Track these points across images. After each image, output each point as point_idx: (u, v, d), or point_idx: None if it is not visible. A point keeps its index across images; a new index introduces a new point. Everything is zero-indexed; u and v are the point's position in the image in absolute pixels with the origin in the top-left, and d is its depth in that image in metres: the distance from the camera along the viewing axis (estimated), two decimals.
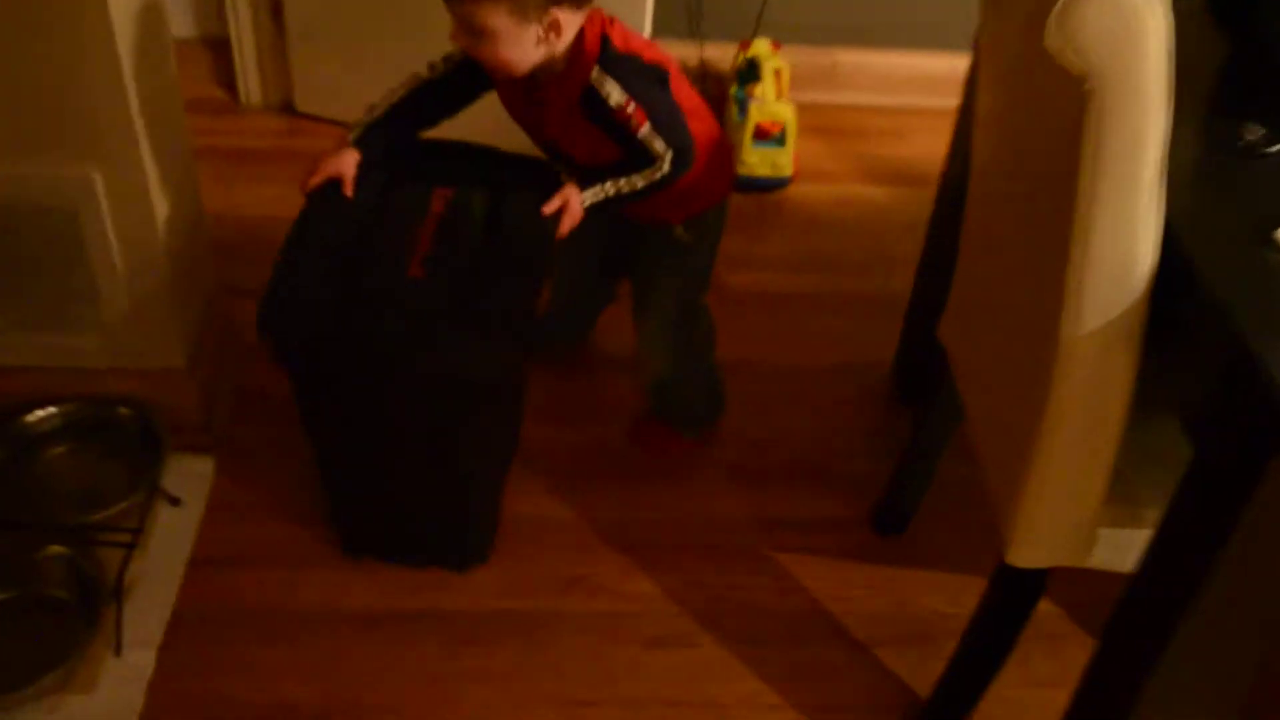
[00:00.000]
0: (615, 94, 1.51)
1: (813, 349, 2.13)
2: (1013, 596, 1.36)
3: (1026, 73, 1.15)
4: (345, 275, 1.45)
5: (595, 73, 1.51)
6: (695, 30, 2.70)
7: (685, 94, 1.61)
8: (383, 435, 1.55)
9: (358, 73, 2.55)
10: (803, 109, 2.60)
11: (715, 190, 1.69)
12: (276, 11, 2.53)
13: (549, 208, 1.54)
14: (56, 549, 1.62)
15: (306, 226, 1.52)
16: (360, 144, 1.58)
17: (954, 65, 1.77)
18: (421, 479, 1.60)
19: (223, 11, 2.56)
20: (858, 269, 2.32)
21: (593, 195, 1.56)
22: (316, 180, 1.57)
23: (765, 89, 2.45)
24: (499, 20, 1.44)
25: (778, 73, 2.51)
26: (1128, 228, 1.06)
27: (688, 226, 1.69)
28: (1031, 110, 1.18)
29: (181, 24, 2.64)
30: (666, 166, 1.55)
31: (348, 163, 1.57)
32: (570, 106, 1.55)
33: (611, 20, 1.57)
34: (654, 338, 1.80)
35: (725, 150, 1.69)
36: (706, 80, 2.72)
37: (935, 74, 2.63)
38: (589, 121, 1.55)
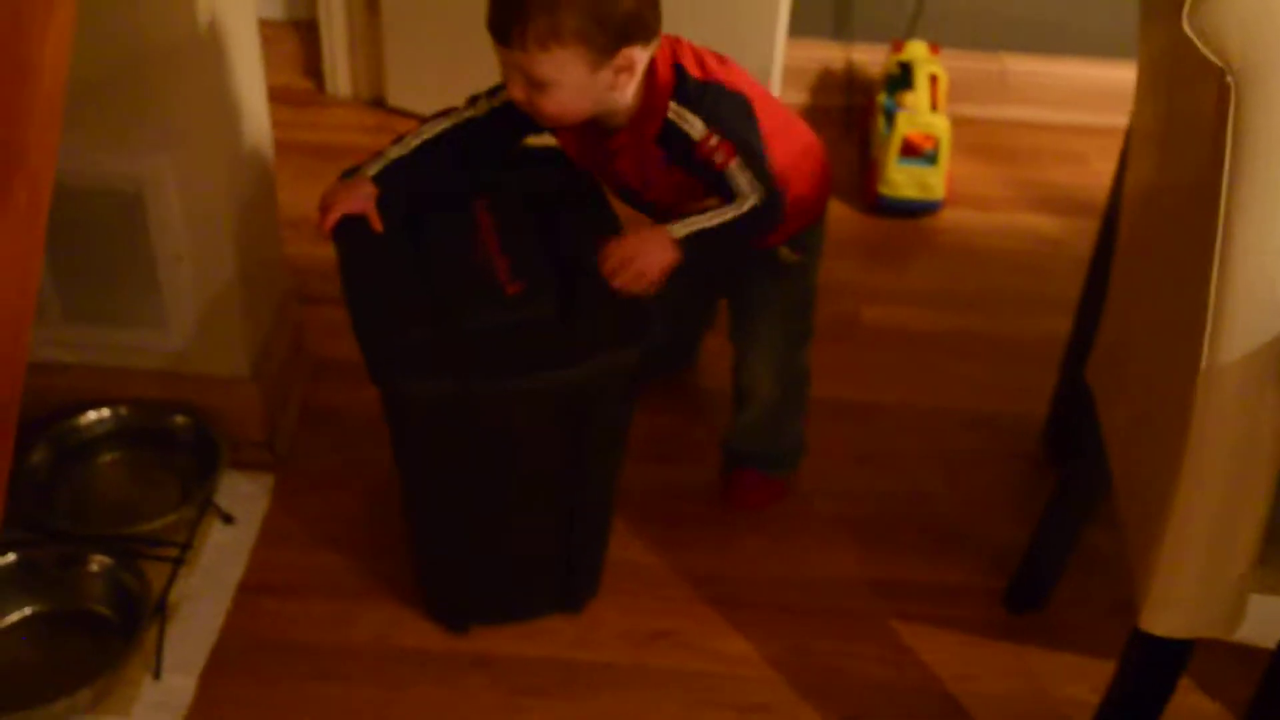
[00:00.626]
0: (697, 128, 1.60)
1: (954, 396, 2.23)
2: (1149, 672, 1.44)
3: (1174, 74, 1.26)
4: (437, 309, 1.58)
5: (673, 108, 1.61)
6: (842, 29, 2.84)
7: (771, 109, 1.72)
8: (501, 480, 1.69)
9: (457, 66, 2.73)
10: (962, 124, 2.72)
11: (816, 206, 1.81)
12: None
13: (619, 279, 1.56)
14: (98, 561, 1.81)
15: (360, 268, 1.66)
16: (380, 180, 1.68)
17: None
18: (541, 522, 1.75)
19: None
20: (1014, 310, 2.42)
21: (685, 226, 1.61)
22: (335, 218, 1.67)
23: (919, 98, 2.58)
24: (570, 70, 1.52)
25: (934, 79, 2.64)
26: (1273, 241, 1.15)
27: (793, 246, 1.81)
28: (1179, 117, 1.28)
29: (267, 3, 2.87)
30: (748, 206, 1.62)
31: (365, 198, 1.67)
32: (647, 149, 1.65)
33: (678, 41, 1.65)
34: (764, 366, 1.92)
35: (822, 161, 1.82)
36: (852, 88, 2.86)
37: (1125, 87, 2.71)
38: (671, 163, 1.66)
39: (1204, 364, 1.23)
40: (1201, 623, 1.37)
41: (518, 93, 1.57)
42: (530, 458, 1.68)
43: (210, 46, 1.75)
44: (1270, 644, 1.37)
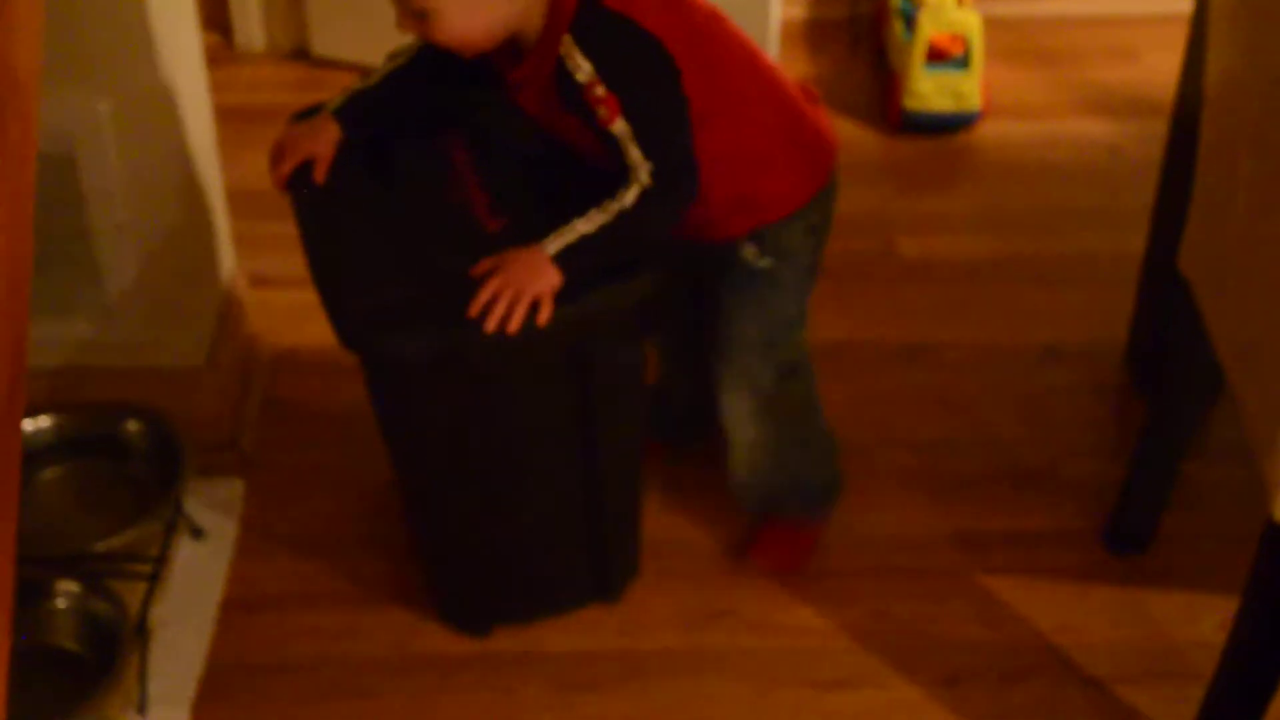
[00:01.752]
0: (584, 69, 1.61)
1: (1016, 327, 2.42)
2: None
3: None
4: (413, 257, 1.71)
5: (565, 43, 1.61)
6: None
7: (733, 71, 1.72)
8: (511, 451, 1.83)
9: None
10: (992, 25, 2.90)
11: (791, 192, 1.79)
12: None
13: (496, 316, 1.61)
14: (64, 589, 1.94)
15: (321, 219, 1.79)
16: (341, 116, 1.81)
17: None
18: (561, 496, 1.89)
19: None
20: (1073, 227, 2.61)
21: (559, 239, 1.64)
22: (290, 165, 1.79)
23: None
24: None
25: None
26: None
27: (761, 245, 1.81)
28: None
29: None
30: (632, 196, 1.64)
31: (324, 141, 1.79)
32: (547, 88, 1.67)
33: None
34: (735, 403, 1.93)
35: (811, 139, 1.81)
36: None
37: None
38: (567, 111, 1.66)
39: None
40: None
41: (408, 27, 1.64)
42: (536, 419, 1.81)
43: None
44: None
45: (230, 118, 2.85)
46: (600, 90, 1.62)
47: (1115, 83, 2.93)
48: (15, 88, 1.30)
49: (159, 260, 2.06)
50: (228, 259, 2.26)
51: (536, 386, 1.78)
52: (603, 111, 1.62)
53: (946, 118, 2.78)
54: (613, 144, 1.64)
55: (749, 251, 1.82)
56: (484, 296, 1.62)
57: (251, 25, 3.01)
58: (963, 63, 2.75)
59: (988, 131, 2.81)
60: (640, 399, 1.87)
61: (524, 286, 1.62)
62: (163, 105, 1.97)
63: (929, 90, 2.74)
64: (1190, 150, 1.86)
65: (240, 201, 2.50)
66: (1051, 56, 3.00)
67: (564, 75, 1.63)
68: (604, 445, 1.86)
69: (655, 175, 1.64)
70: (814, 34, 3.07)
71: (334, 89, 2.89)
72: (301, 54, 3.01)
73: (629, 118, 1.63)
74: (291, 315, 2.42)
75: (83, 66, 1.91)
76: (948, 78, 2.74)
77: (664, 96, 1.66)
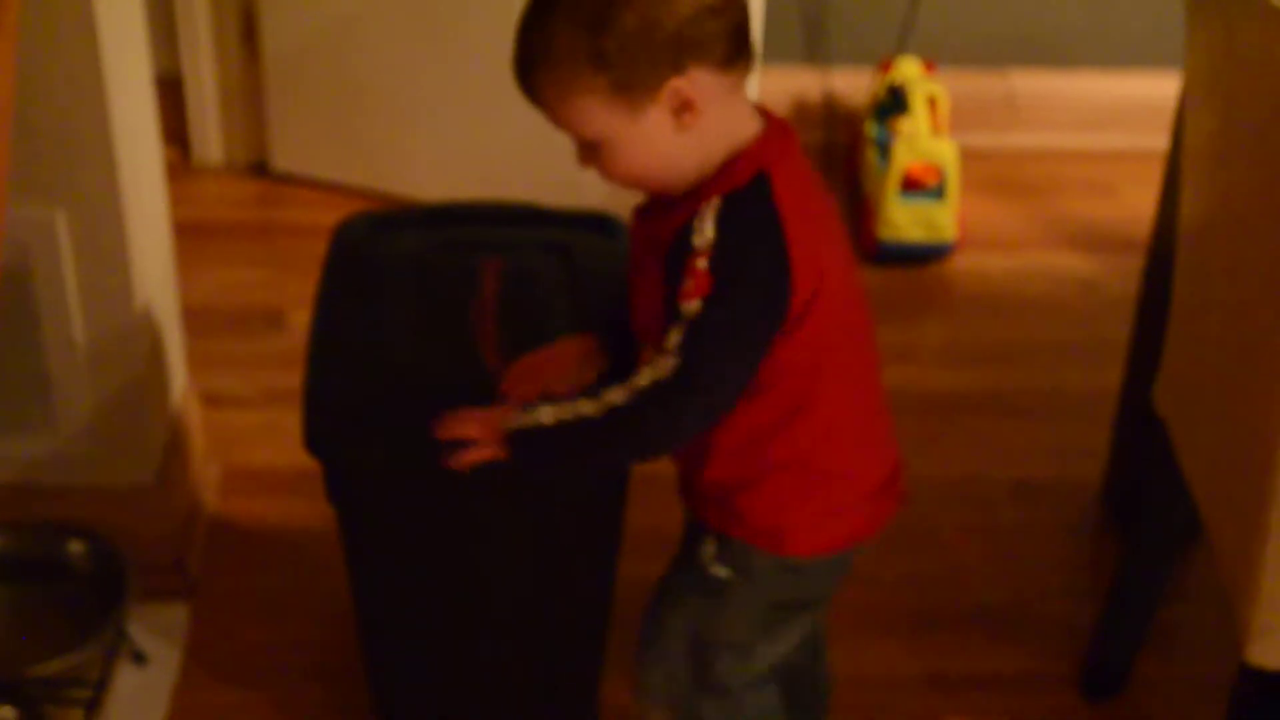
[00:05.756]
0: (705, 236, 1.51)
1: (990, 463, 2.47)
2: (1262, 716, 1.66)
3: (1234, 80, 1.51)
4: (407, 374, 1.77)
5: (714, 202, 1.52)
6: (816, 51, 3.12)
7: (850, 364, 1.65)
8: (466, 584, 1.87)
9: (355, 120, 2.97)
10: (968, 156, 2.98)
11: (773, 529, 1.64)
12: (248, 40, 2.99)
13: (446, 430, 1.62)
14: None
15: (335, 314, 1.85)
16: None
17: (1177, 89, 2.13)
18: (510, 646, 1.92)
19: (176, 42, 3.01)
20: (1048, 362, 2.68)
21: (522, 418, 1.59)
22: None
23: (916, 122, 2.84)
24: (603, 121, 1.49)
25: (932, 102, 2.91)
26: None
27: (721, 550, 1.66)
28: (1239, 127, 1.53)
29: None
30: (629, 396, 1.53)
31: None
32: (662, 230, 1.57)
33: (792, 152, 1.56)
34: (645, 678, 1.79)
35: (855, 490, 1.70)
36: (832, 121, 3.12)
37: (1154, 101, 3.00)
38: (662, 261, 1.55)
39: None
40: None
41: (585, 161, 1.56)
42: (493, 565, 1.84)
43: (103, 89, 1.94)
44: None
45: (186, 233, 2.89)
46: (702, 264, 1.50)
47: (1092, 217, 3.02)
48: None
49: (110, 377, 2.10)
50: (180, 377, 2.30)
51: (494, 527, 1.81)
52: (690, 284, 1.51)
53: (920, 248, 2.86)
54: (670, 319, 1.52)
55: (708, 549, 1.68)
56: (439, 425, 1.64)
57: (210, 139, 3.07)
58: (938, 193, 2.83)
59: (962, 263, 2.89)
60: (608, 566, 1.88)
61: (470, 436, 1.62)
62: (121, 218, 2.02)
63: (903, 220, 2.82)
64: (1166, 287, 1.93)
65: (194, 318, 2.55)
66: (1028, 189, 3.09)
67: (686, 230, 1.52)
68: (560, 605, 1.88)
69: (674, 375, 1.52)
70: None
71: (293, 205, 3.00)
72: (261, 169, 3.06)
73: (706, 307, 1.50)
74: (242, 436, 2.46)
75: (39, 177, 1.95)
76: (922, 208, 2.82)
77: (750, 319, 1.53)
